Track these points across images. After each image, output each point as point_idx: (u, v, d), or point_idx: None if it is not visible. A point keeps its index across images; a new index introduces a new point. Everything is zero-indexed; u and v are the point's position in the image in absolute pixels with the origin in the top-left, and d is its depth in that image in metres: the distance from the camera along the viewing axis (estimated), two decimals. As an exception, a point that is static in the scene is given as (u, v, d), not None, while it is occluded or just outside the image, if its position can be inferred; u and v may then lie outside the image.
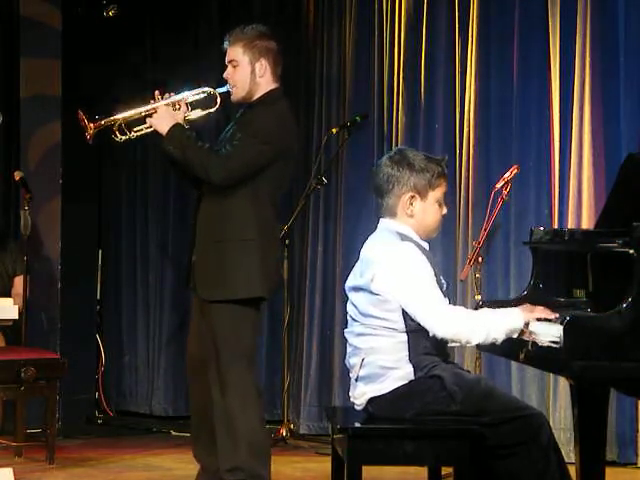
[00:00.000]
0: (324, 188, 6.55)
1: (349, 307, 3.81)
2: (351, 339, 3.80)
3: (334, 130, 6.42)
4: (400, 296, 3.63)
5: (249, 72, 4.59)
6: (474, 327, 3.59)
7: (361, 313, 3.73)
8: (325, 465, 4.38)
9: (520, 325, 3.62)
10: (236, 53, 4.61)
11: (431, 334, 3.60)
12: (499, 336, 3.61)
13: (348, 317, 3.82)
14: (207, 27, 7.37)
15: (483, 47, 6.25)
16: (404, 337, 3.67)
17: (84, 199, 7.45)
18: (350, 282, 3.83)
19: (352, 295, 3.79)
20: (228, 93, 4.64)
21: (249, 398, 4.50)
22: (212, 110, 4.67)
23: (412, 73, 6.52)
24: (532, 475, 3.58)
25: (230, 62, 4.63)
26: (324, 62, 6.97)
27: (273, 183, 4.57)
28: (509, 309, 3.70)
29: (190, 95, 4.66)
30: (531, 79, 6.08)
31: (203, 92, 4.67)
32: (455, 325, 3.58)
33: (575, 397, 3.70)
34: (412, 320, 3.64)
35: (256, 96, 4.62)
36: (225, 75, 4.65)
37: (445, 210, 3.84)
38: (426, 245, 3.81)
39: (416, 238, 3.77)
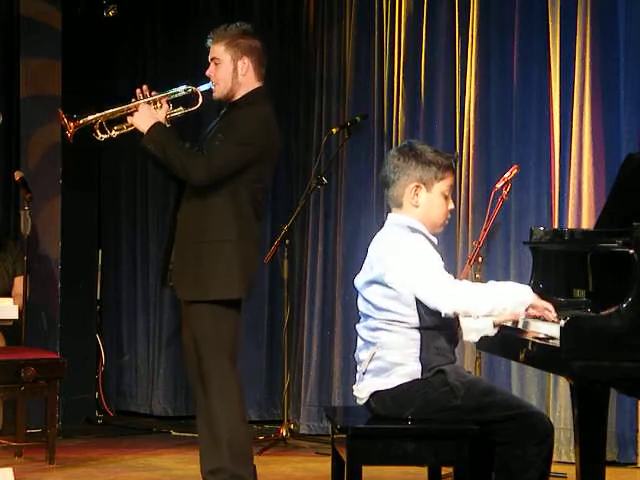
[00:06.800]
0: (324, 188, 6.55)
1: (361, 304, 3.80)
2: (363, 333, 3.79)
3: (334, 130, 6.42)
4: (409, 281, 3.63)
5: (231, 70, 4.58)
6: (481, 297, 3.58)
7: (375, 307, 3.72)
8: (325, 465, 4.39)
9: (529, 300, 3.62)
10: (218, 51, 4.61)
11: (443, 314, 3.60)
12: (507, 304, 3.59)
13: (360, 313, 3.82)
14: (208, 27, 7.34)
15: (483, 47, 6.25)
16: (417, 334, 3.67)
17: (84, 199, 7.45)
18: (361, 278, 3.81)
19: (365, 291, 3.78)
20: (210, 90, 4.62)
21: (231, 399, 4.50)
22: (194, 108, 4.65)
23: (412, 73, 6.52)
24: (530, 474, 3.58)
25: (212, 59, 4.62)
26: (324, 62, 6.97)
27: (254, 183, 4.55)
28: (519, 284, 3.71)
29: (171, 93, 4.64)
30: (531, 79, 6.08)
31: (184, 90, 4.65)
32: (462, 299, 3.57)
33: (575, 397, 3.70)
34: (427, 316, 3.65)
35: (239, 95, 4.61)
36: (207, 72, 4.64)
37: (452, 205, 3.83)
38: (435, 240, 3.81)
39: (426, 232, 3.77)
